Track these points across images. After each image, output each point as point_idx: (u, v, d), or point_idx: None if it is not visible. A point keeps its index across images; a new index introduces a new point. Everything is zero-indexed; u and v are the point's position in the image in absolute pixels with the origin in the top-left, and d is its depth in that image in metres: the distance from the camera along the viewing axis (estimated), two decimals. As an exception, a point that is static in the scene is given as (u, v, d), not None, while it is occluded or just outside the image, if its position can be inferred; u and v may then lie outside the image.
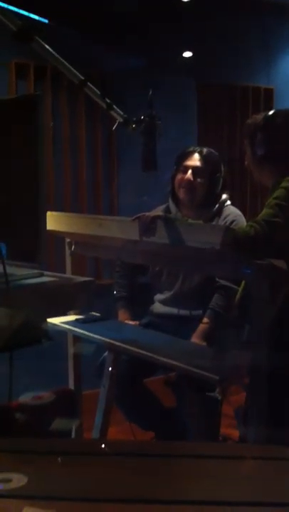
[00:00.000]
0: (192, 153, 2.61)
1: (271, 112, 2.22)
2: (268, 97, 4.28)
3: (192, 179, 2.57)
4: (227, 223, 2.51)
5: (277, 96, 4.32)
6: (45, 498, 1.02)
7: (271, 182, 2.20)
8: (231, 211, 2.60)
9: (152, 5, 3.47)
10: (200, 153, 2.61)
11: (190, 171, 2.58)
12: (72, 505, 1.01)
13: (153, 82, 3.38)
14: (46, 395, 1.63)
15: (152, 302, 2.76)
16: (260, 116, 2.23)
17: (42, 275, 1.67)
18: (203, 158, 2.60)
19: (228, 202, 2.64)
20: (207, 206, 2.59)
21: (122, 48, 3.40)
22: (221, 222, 2.55)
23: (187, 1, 3.62)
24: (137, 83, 3.24)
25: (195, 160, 2.59)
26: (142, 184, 3.49)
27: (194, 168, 2.58)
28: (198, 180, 2.58)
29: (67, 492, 1.04)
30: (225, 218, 2.56)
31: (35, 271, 1.67)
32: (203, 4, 3.74)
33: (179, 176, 2.61)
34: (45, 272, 1.67)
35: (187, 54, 3.78)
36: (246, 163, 2.28)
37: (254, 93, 4.22)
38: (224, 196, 2.63)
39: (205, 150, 2.63)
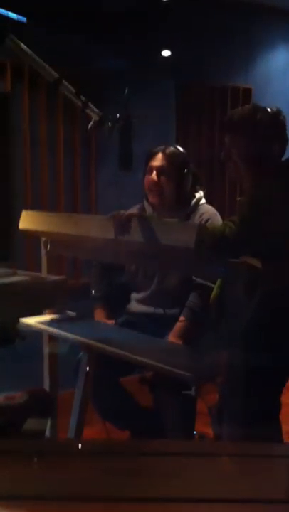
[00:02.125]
0: (156, 153, 2.60)
1: (272, 109, 2.18)
2: (246, 97, 4.30)
3: (156, 180, 2.57)
4: (202, 222, 2.52)
5: (255, 96, 4.34)
6: (16, 498, 1.01)
7: (250, 180, 2.20)
8: (206, 209, 2.60)
9: (133, 4, 3.47)
10: (163, 152, 2.59)
11: (154, 172, 2.57)
12: (44, 505, 1.00)
13: (132, 81, 3.39)
14: (18, 395, 1.62)
15: (129, 301, 2.76)
16: (250, 111, 2.20)
17: (15, 274, 1.67)
18: (167, 157, 2.57)
19: (203, 200, 2.64)
20: (179, 205, 2.59)
21: (101, 47, 3.39)
22: (196, 221, 2.54)
23: (167, 1, 3.63)
24: (116, 82, 3.24)
25: (158, 160, 2.58)
26: (120, 183, 3.51)
27: (158, 168, 2.57)
28: (164, 179, 2.57)
29: (38, 492, 1.04)
30: (200, 216, 2.56)
31: (8, 270, 1.66)
32: (183, 4, 3.74)
33: (146, 177, 2.61)
34: (18, 271, 1.67)
35: (166, 53, 3.78)
36: (223, 156, 2.25)
37: (233, 93, 4.25)
38: (198, 195, 2.63)
39: (169, 148, 2.61)
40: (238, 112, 2.23)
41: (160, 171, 2.57)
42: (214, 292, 2.16)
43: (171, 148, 2.61)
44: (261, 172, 2.16)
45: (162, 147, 2.61)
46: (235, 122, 2.20)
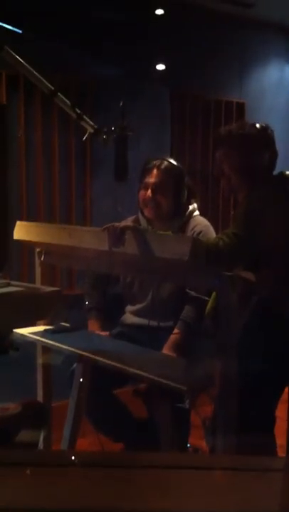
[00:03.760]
0: (152, 168, 2.57)
1: (260, 125, 2.23)
2: (239, 111, 4.33)
3: (152, 196, 2.55)
4: (195, 234, 2.52)
5: (248, 110, 4.37)
6: (9, 510, 1.01)
7: (243, 194, 2.22)
8: (199, 221, 2.60)
9: (130, 16, 3.51)
10: (158, 167, 2.56)
11: (150, 189, 2.56)
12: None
13: (129, 91, 3.42)
14: (12, 407, 1.61)
15: (124, 312, 2.76)
16: (239, 126, 2.25)
17: (9, 285, 1.67)
18: (162, 173, 2.55)
19: (196, 212, 2.64)
20: (174, 218, 2.59)
21: (98, 57, 3.42)
22: (189, 232, 2.55)
23: (162, 14, 3.67)
24: (112, 93, 3.27)
25: (154, 176, 2.56)
26: (115, 194, 3.52)
27: (154, 185, 2.55)
28: (159, 195, 2.55)
29: (31, 504, 1.03)
30: (192, 229, 2.57)
31: (2, 281, 1.66)
32: (178, 17, 3.78)
33: (142, 193, 2.59)
34: (12, 282, 1.67)
35: (162, 66, 3.81)
36: (215, 171, 2.29)
37: (226, 106, 4.28)
38: (191, 207, 2.63)
39: (164, 163, 2.58)
40: (227, 128, 2.29)
41: (156, 187, 2.55)
42: (209, 305, 2.17)
43: (167, 163, 2.58)
44: (253, 185, 2.18)
45: (158, 162, 2.59)
46: (225, 137, 2.24)
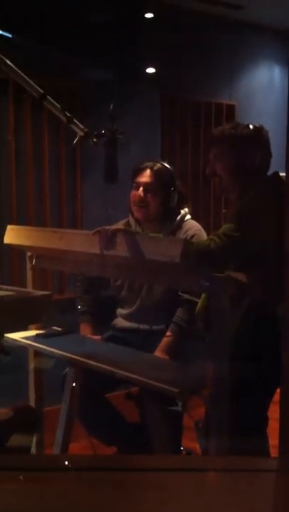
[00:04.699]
0: (144, 169, 2.59)
1: (254, 125, 2.24)
2: (230, 113, 4.34)
3: (143, 196, 2.56)
4: (187, 237, 2.52)
5: (239, 112, 4.39)
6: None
7: (235, 194, 2.22)
8: (192, 225, 2.61)
9: (120, 19, 3.52)
10: (151, 168, 2.58)
11: (141, 188, 2.57)
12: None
13: (119, 95, 3.42)
14: (4, 412, 1.61)
15: (116, 316, 2.75)
16: (232, 126, 2.25)
17: None
18: (154, 174, 2.57)
19: (188, 216, 2.65)
20: (164, 221, 2.59)
21: (89, 60, 3.42)
22: (182, 236, 2.55)
23: (152, 17, 3.68)
24: (103, 96, 3.27)
25: (146, 176, 2.57)
26: (106, 197, 3.52)
27: (145, 185, 2.56)
28: (150, 196, 2.56)
29: (24, 509, 1.02)
30: (185, 233, 2.57)
31: (-7, 285, 1.66)
32: (168, 20, 3.79)
33: (133, 192, 2.60)
34: (3, 286, 1.66)
35: (152, 69, 3.82)
36: (208, 172, 2.28)
37: (217, 108, 4.29)
38: (183, 211, 2.64)
39: (157, 165, 2.60)
40: (220, 128, 2.28)
41: (147, 187, 2.56)
42: (199, 305, 2.17)
43: (159, 165, 2.60)
44: (246, 185, 2.18)
45: (150, 163, 2.60)
46: (218, 137, 2.23)
